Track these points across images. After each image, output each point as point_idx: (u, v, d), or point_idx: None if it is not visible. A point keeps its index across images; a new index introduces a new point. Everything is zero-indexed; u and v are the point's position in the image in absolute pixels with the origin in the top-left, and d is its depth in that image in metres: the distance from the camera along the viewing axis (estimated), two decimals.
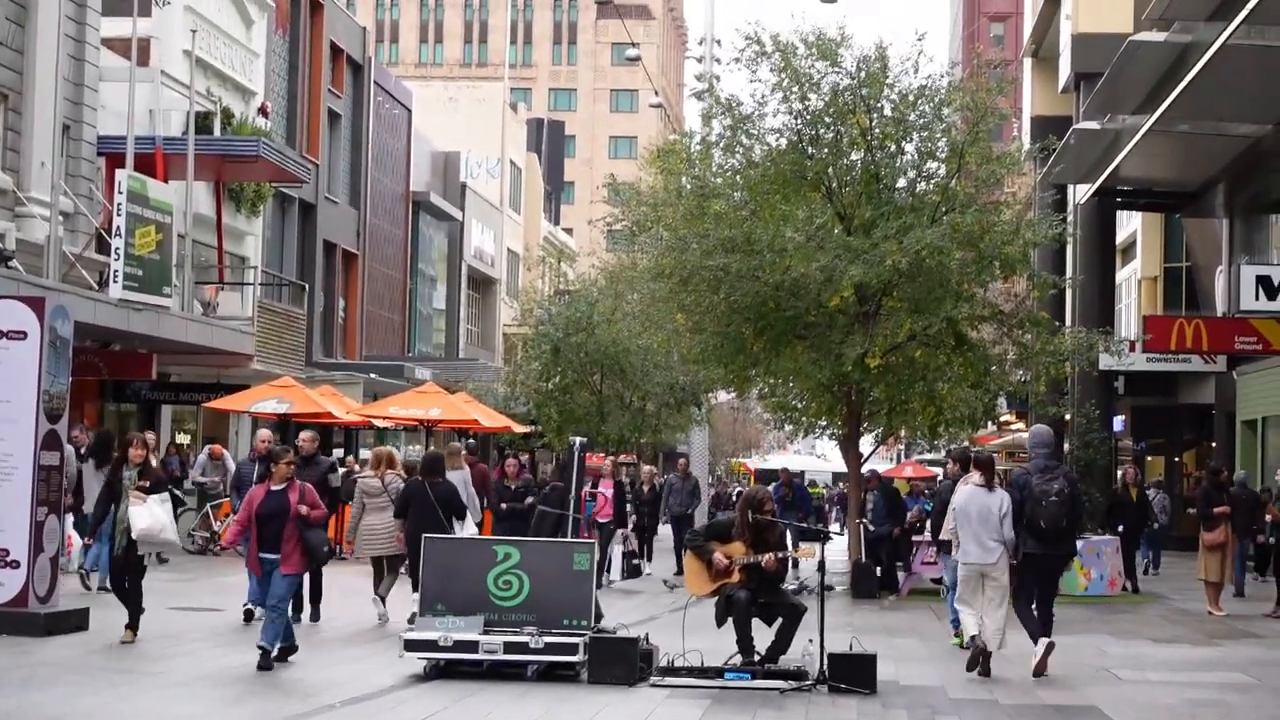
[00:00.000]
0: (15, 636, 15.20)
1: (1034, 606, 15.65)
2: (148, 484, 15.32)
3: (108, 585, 17.82)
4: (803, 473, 53.40)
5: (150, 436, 17.01)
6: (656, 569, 28.95)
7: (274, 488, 14.39)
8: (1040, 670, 15.00)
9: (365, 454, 36.82)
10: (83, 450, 21.57)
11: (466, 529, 18.40)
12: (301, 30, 46.28)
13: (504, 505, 21.31)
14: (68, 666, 13.81)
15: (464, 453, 27.79)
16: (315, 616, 18.20)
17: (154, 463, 16.47)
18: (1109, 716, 12.76)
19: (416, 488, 18.16)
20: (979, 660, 15.12)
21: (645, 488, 31.86)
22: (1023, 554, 15.43)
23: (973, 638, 15.46)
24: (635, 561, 28.78)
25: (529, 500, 20.70)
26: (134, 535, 14.98)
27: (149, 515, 14.98)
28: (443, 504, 17.84)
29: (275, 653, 14.08)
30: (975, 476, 16.12)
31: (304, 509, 14.11)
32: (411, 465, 23.54)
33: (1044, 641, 15.23)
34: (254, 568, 14.60)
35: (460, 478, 20.67)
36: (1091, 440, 35.60)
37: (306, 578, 16.37)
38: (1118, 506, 23.91)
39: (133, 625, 15.45)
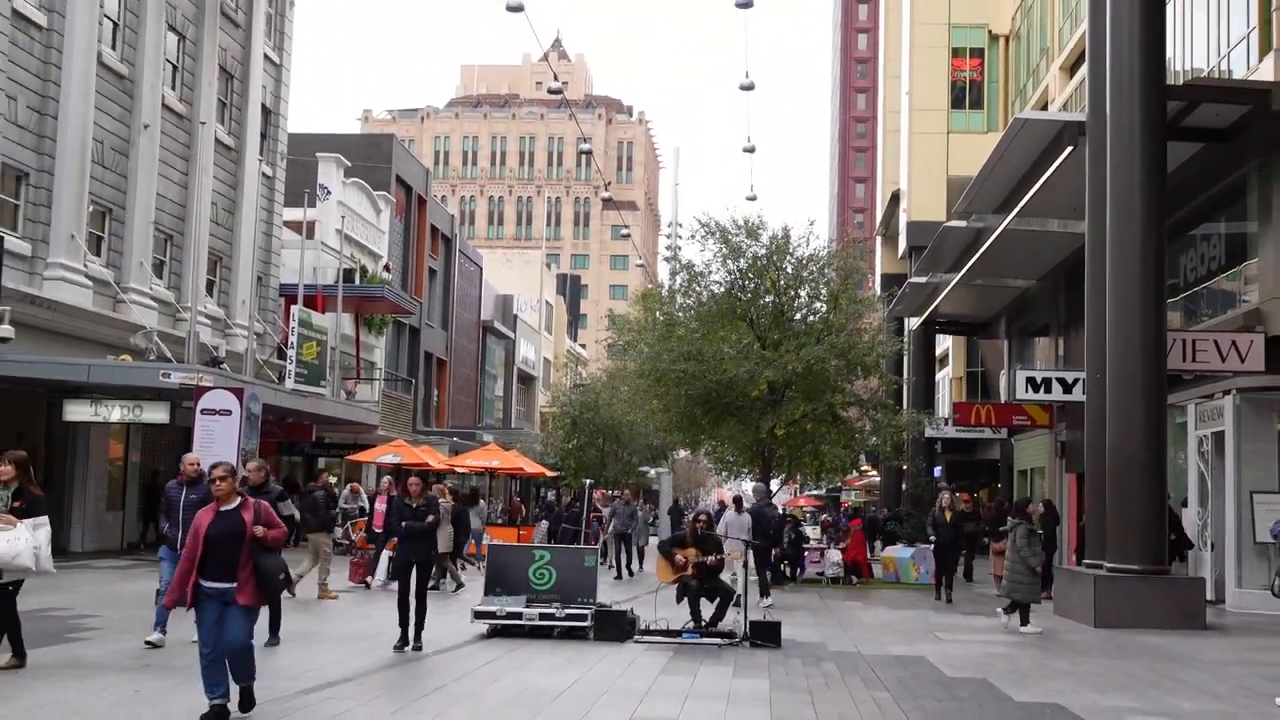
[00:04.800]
0: None
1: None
2: (21, 505, 9.98)
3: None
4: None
5: (20, 455, 10.31)
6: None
7: (224, 508, 8.39)
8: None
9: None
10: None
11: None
12: (412, 216, 46.68)
13: (404, 524, 12.74)
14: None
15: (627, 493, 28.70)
16: (275, 640, 12.20)
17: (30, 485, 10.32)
18: (932, 663, 12.66)
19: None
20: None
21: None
22: (758, 545, 18.52)
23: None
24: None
25: (430, 519, 12.95)
26: None
27: (5, 541, 9.70)
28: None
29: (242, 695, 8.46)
30: (733, 508, 19.98)
31: (260, 530, 8.33)
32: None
33: (768, 600, 18.60)
34: (184, 597, 8.25)
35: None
36: (920, 482, 35.61)
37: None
38: (936, 527, 23.06)
39: (15, 651, 10.17)
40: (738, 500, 21.50)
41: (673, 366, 24.41)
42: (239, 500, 8.51)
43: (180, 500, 11.50)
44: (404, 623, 12.53)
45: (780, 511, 23.72)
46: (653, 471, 46.74)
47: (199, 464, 11.68)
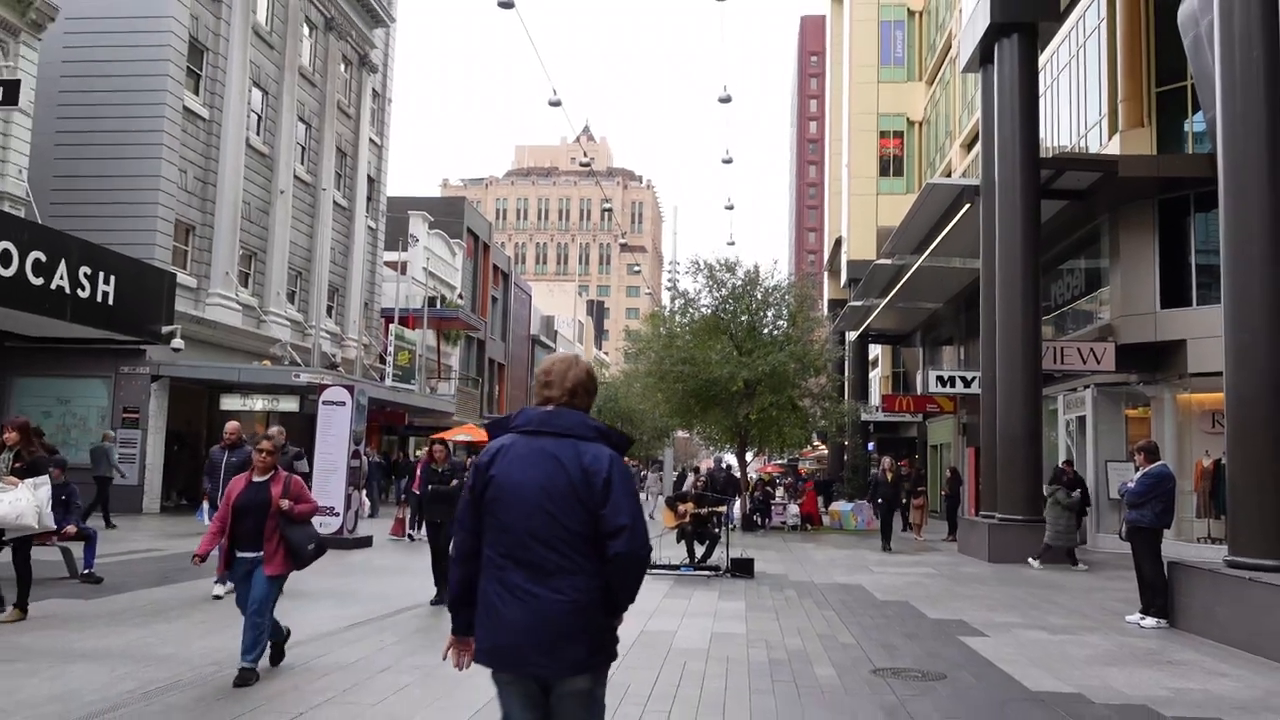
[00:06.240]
0: (336, 550, 14.89)
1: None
2: (22, 466, 7.95)
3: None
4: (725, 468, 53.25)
5: (22, 420, 8.18)
6: None
7: (256, 479, 6.60)
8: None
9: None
10: (370, 458, 21.00)
11: None
12: (479, 257, 46.59)
13: (430, 487, 10.66)
14: (363, 566, 13.49)
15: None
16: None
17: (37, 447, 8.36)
18: (867, 590, 12.50)
19: None
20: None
21: None
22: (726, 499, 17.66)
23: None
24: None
25: (454, 482, 10.53)
26: None
27: (7, 502, 7.71)
28: None
29: (259, 661, 6.38)
30: (693, 475, 20.39)
31: (285, 503, 6.48)
32: None
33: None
34: (221, 568, 6.68)
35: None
36: (858, 454, 35.31)
37: None
38: (879, 486, 21.17)
39: (19, 604, 8.10)
40: (696, 470, 23.66)
41: (673, 369, 24.27)
42: (271, 474, 6.65)
43: (222, 462, 9.93)
44: (439, 580, 10.29)
45: (726, 474, 25.35)
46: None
47: (239, 431, 10.19)
